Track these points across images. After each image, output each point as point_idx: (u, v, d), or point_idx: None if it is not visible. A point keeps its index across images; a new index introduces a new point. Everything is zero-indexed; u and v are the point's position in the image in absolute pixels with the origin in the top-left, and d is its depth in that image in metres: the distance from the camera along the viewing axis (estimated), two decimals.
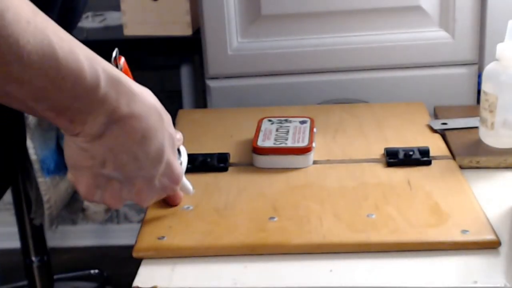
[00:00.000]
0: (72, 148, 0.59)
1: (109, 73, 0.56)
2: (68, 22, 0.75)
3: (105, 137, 0.57)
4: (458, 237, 0.68)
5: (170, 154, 0.63)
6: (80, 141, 0.58)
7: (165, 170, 0.63)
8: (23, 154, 0.80)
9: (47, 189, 0.83)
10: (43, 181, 0.82)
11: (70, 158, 0.60)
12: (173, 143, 0.64)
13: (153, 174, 0.62)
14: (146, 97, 0.60)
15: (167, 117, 0.62)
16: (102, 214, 0.91)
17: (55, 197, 0.84)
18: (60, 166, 0.84)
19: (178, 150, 0.69)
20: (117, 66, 0.65)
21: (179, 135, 0.68)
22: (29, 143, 0.79)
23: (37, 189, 0.83)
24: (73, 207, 0.91)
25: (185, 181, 0.73)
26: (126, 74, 0.64)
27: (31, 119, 0.78)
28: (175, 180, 0.65)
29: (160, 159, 0.61)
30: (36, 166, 0.81)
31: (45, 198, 0.83)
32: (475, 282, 0.63)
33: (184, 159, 0.71)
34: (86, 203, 0.90)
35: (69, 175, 0.62)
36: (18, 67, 0.48)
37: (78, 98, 0.54)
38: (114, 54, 0.65)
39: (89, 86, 0.54)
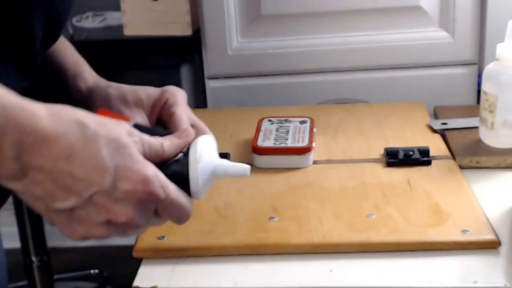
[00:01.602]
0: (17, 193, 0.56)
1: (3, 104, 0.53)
2: (52, 32, 0.74)
3: (29, 172, 0.55)
4: (458, 237, 0.68)
5: (117, 158, 0.57)
6: (7, 184, 0.55)
7: (119, 175, 0.57)
8: None
9: None
10: None
11: (27, 204, 0.58)
12: (124, 145, 0.58)
13: (106, 184, 0.57)
14: (62, 115, 0.56)
15: (102, 126, 0.58)
16: None
17: None
18: None
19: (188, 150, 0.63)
20: None
21: (167, 142, 0.62)
22: None
23: None
24: None
25: (231, 164, 0.64)
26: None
27: None
28: (142, 181, 0.57)
29: (102, 167, 0.56)
30: None
31: None
32: (475, 282, 0.63)
33: (200, 154, 0.62)
34: None
35: None
36: None
37: None
38: None
39: None
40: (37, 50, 0.70)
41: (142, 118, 0.75)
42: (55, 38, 0.75)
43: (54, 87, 0.83)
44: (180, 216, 0.61)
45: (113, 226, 0.58)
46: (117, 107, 0.76)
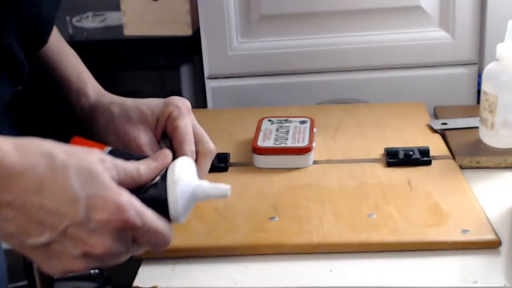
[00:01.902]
0: None
1: None
2: (35, 39, 0.73)
3: None
4: (459, 237, 0.68)
5: (89, 188, 0.56)
6: None
7: (92, 205, 0.55)
8: None
9: None
10: None
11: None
12: (95, 173, 0.56)
13: (79, 216, 0.55)
14: (29, 148, 0.56)
15: (72, 156, 0.56)
16: None
17: None
18: None
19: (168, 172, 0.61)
20: None
21: (143, 167, 0.60)
22: None
23: None
24: None
25: (210, 186, 0.63)
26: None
27: None
28: (117, 209, 0.55)
29: (73, 198, 0.55)
30: None
31: None
32: (475, 282, 0.63)
33: (178, 176, 0.60)
34: None
35: None
36: None
37: None
38: None
39: None
40: (21, 59, 0.69)
41: (147, 135, 0.74)
42: (42, 43, 0.74)
43: (49, 88, 0.82)
44: (158, 243, 0.59)
45: (91, 258, 0.56)
46: (121, 126, 0.74)
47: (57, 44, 0.82)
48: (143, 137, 0.74)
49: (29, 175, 0.54)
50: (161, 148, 0.76)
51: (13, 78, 0.71)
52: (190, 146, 0.73)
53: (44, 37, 0.75)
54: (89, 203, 0.55)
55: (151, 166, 0.61)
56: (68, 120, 0.81)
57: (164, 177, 0.60)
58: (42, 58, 0.80)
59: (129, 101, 0.78)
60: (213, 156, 0.76)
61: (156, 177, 0.61)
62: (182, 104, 0.75)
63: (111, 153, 0.63)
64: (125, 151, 0.69)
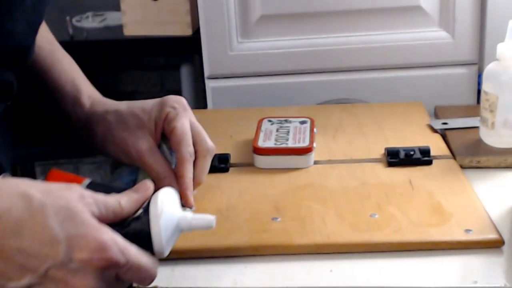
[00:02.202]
0: None
1: None
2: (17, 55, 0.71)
3: None
4: (462, 237, 0.69)
5: (69, 227, 0.54)
6: None
7: (73, 244, 0.54)
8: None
9: None
10: None
11: None
12: (74, 212, 0.55)
13: (60, 257, 0.54)
14: (3, 189, 0.55)
15: (49, 195, 0.55)
16: None
17: None
18: None
19: (149, 205, 0.59)
20: None
21: (125, 200, 0.59)
22: None
23: None
24: None
25: (194, 217, 0.62)
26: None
27: None
28: (99, 248, 0.54)
29: (53, 239, 0.54)
30: None
31: None
32: (475, 282, 0.63)
33: (161, 208, 0.59)
34: None
35: None
36: None
37: None
38: None
39: None
40: (8, 79, 0.68)
41: (146, 140, 0.74)
42: (24, 64, 0.73)
43: (43, 94, 0.81)
44: (143, 278, 0.58)
45: None
46: (119, 135, 0.74)
47: (49, 49, 0.81)
48: (142, 144, 0.74)
49: (6, 218, 0.53)
50: (162, 151, 0.76)
51: (1, 97, 0.70)
52: (188, 147, 0.72)
53: (25, 61, 0.73)
54: (70, 243, 0.53)
55: (133, 198, 0.60)
56: (66, 127, 0.80)
57: (146, 210, 0.59)
58: (34, 64, 0.79)
59: (123, 107, 0.76)
60: (213, 154, 0.76)
61: (138, 210, 0.59)
62: (177, 103, 0.75)
63: (91, 185, 0.62)
64: (105, 182, 0.67)
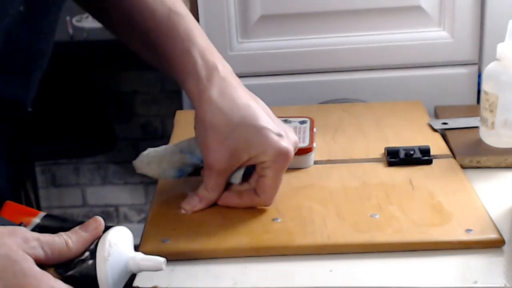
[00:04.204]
0: None
1: None
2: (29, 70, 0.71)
3: None
4: (463, 237, 0.68)
5: (7, 278, 0.53)
6: None
7: None
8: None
9: None
10: None
11: None
12: (14, 261, 0.53)
13: None
14: None
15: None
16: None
17: None
18: None
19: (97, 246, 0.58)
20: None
21: (73, 239, 0.58)
22: None
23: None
24: None
25: (144, 258, 0.60)
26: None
27: None
28: None
29: None
30: None
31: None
32: (475, 282, 0.63)
33: (108, 251, 0.58)
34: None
35: None
36: None
37: None
38: None
39: None
40: (18, 107, 0.69)
41: (225, 160, 0.73)
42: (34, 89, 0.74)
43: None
44: None
45: None
46: (211, 136, 0.75)
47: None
48: (219, 162, 0.73)
49: None
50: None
51: (11, 118, 0.71)
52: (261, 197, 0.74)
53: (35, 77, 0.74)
54: None
55: (82, 237, 0.59)
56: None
57: (94, 252, 0.58)
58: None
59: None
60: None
61: (86, 250, 0.58)
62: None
63: (46, 218, 0.61)
64: (60, 216, 0.65)
